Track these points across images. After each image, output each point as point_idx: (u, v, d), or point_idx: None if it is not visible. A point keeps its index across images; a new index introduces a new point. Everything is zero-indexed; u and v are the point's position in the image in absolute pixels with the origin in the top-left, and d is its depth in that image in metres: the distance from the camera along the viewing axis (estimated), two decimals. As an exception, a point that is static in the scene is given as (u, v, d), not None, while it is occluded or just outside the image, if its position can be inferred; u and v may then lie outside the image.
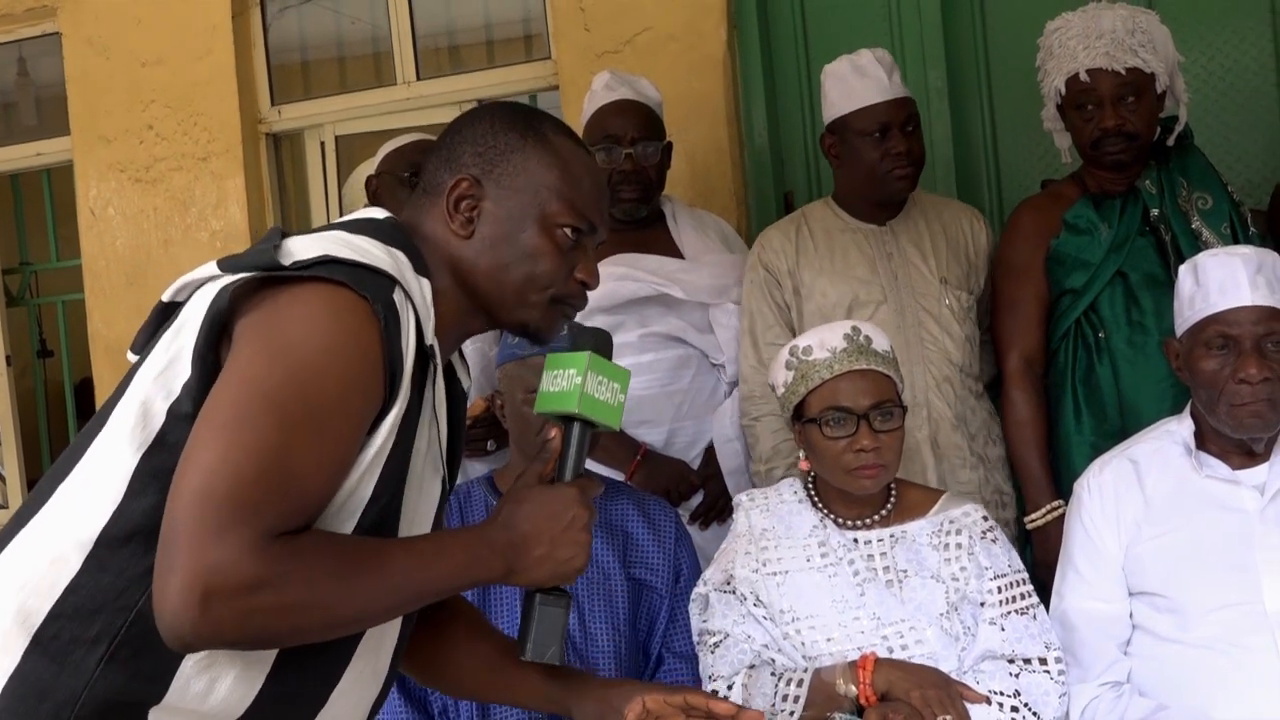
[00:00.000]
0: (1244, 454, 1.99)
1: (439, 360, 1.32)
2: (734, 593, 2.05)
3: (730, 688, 1.98)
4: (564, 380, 1.36)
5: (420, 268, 1.30)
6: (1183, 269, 2.05)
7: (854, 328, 2.09)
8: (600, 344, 1.38)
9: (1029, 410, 2.50)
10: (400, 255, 1.29)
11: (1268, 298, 1.93)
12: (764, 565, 2.05)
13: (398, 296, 1.24)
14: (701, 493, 2.64)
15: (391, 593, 1.22)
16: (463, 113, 1.43)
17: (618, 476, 2.53)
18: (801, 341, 2.11)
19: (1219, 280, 1.96)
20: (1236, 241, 2.40)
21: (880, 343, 2.09)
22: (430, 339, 1.28)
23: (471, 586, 1.33)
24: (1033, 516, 2.46)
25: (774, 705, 1.92)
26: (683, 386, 2.66)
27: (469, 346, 2.63)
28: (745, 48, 3.27)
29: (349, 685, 1.31)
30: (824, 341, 2.08)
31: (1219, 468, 1.99)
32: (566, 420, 1.37)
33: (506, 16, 3.76)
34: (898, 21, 3.23)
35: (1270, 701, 1.82)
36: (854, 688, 1.90)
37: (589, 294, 2.58)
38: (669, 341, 2.66)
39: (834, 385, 2.04)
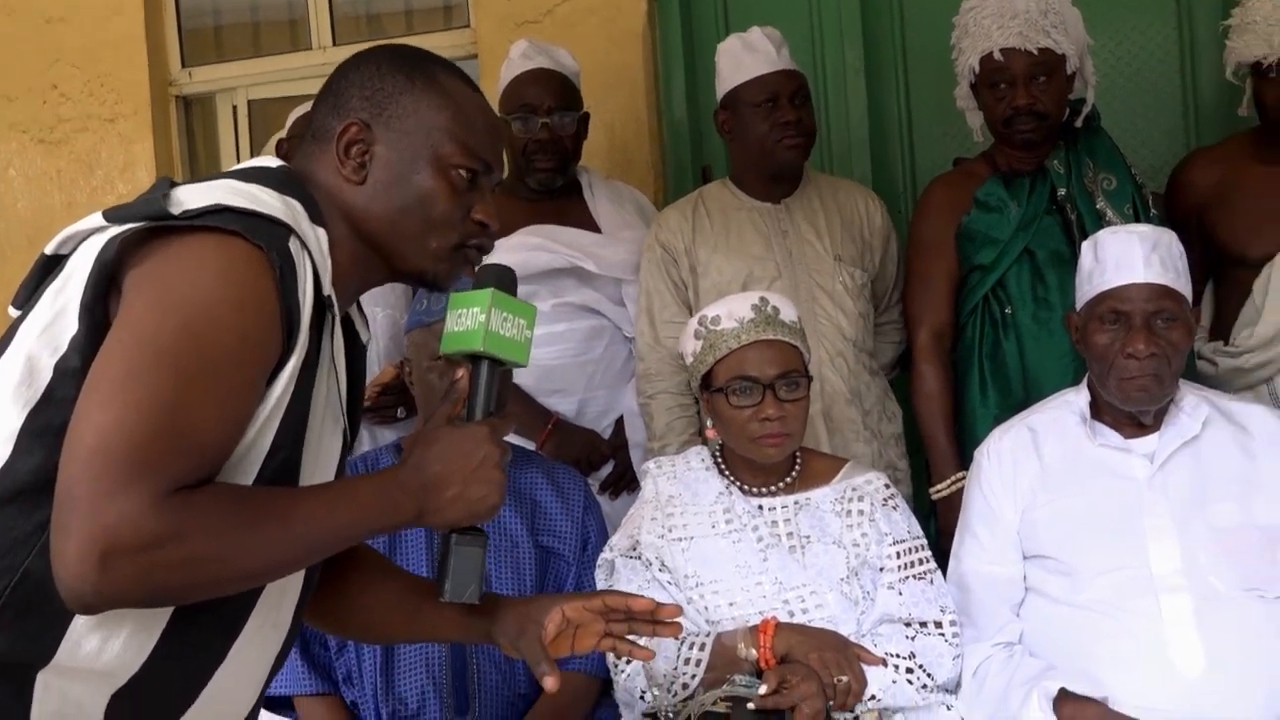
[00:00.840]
0: (1136, 424, 2.06)
1: (337, 311, 1.31)
2: (639, 558, 2.08)
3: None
4: (468, 319, 1.35)
5: (315, 216, 1.29)
6: (1085, 245, 2.12)
7: (762, 298, 2.13)
8: (504, 280, 1.37)
9: (937, 383, 2.56)
10: (295, 204, 1.28)
11: (1160, 276, 2.00)
12: (669, 531, 2.08)
13: (293, 245, 1.23)
14: (612, 463, 2.67)
15: (298, 541, 1.21)
16: (349, 56, 1.41)
17: (529, 445, 2.55)
18: (710, 311, 2.15)
19: (1115, 257, 2.03)
20: (1138, 221, 2.48)
21: (788, 313, 2.13)
22: (328, 289, 1.28)
23: (383, 531, 1.33)
24: (938, 487, 2.52)
25: (676, 669, 1.96)
26: (595, 357, 2.69)
27: (380, 313, 2.64)
28: (665, 21, 3.30)
29: (249, 639, 1.31)
30: (732, 312, 2.12)
31: (1112, 437, 2.06)
32: (474, 359, 1.37)
33: (429, -17, 3.73)
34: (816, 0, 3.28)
35: (1152, 662, 1.89)
36: (754, 651, 1.94)
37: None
38: (582, 312, 2.69)
39: (741, 355, 2.08)
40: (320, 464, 1.34)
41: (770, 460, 2.10)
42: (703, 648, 1.96)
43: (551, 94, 2.70)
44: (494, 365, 1.37)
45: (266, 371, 1.22)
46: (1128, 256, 2.02)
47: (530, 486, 2.27)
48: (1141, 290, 2.00)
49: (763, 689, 1.87)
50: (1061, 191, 2.55)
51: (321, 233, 1.29)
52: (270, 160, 1.36)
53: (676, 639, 1.95)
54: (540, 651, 1.47)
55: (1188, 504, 1.98)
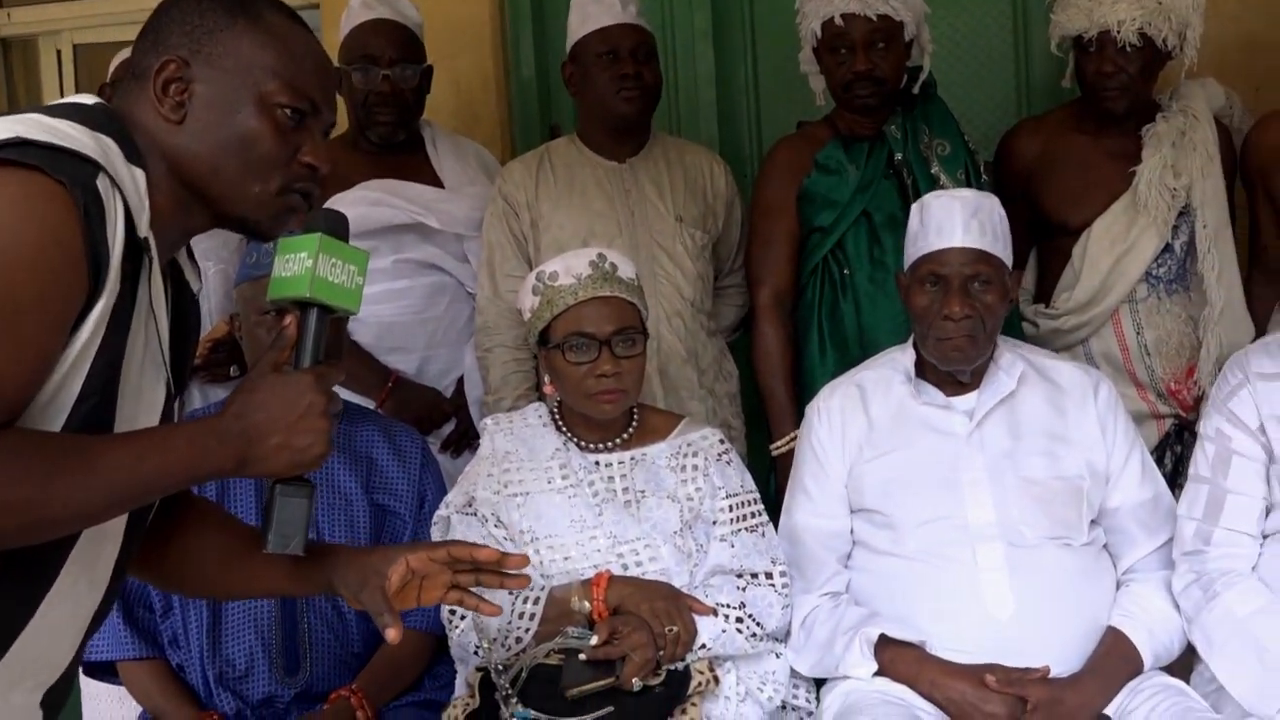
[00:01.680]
0: (957, 383, 2.16)
1: (155, 254, 1.28)
2: (475, 514, 2.09)
3: (468, 607, 2.03)
4: (295, 264, 1.33)
5: (132, 156, 1.26)
6: (913, 208, 2.20)
7: (600, 254, 2.15)
8: (334, 225, 1.35)
9: (777, 343, 2.63)
10: (109, 142, 1.24)
11: (979, 241, 2.09)
12: (505, 487, 2.10)
13: (102, 184, 1.19)
14: (454, 421, 2.67)
15: (105, 489, 1.19)
16: None
17: (368, 404, 2.53)
18: (548, 267, 2.16)
19: (937, 221, 2.11)
20: (970, 187, 2.59)
21: (625, 270, 2.16)
22: (144, 231, 1.25)
23: (199, 480, 1.31)
24: (777, 444, 2.60)
25: (510, 623, 1.98)
26: (437, 314, 2.68)
27: (211, 268, 2.57)
28: (515, -24, 3.28)
29: (62, 594, 1.28)
30: (570, 268, 2.14)
31: (935, 395, 2.16)
32: (302, 307, 1.34)
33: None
34: (663, -48, 3.31)
35: (967, 607, 2.00)
36: (588, 604, 1.98)
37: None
38: (423, 269, 2.67)
39: (578, 311, 2.11)
40: (141, 414, 1.31)
41: (606, 416, 2.13)
42: (537, 601, 1.99)
43: (393, 45, 2.66)
44: (323, 313, 1.35)
45: (71, 314, 1.18)
46: (949, 221, 2.10)
47: (367, 445, 2.25)
48: (959, 254, 2.09)
49: (594, 640, 1.91)
50: (898, 156, 2.64)
51: (139, 173, 1.26)
52: (87, 98, 1.32)
53: (524, 589, 1.97)
54: (383, 602, 1.46)
55: (1002, 458, 2.09)
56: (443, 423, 2.66)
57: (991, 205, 2.15)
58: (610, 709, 1.86)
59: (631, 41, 2.60)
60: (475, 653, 2.01)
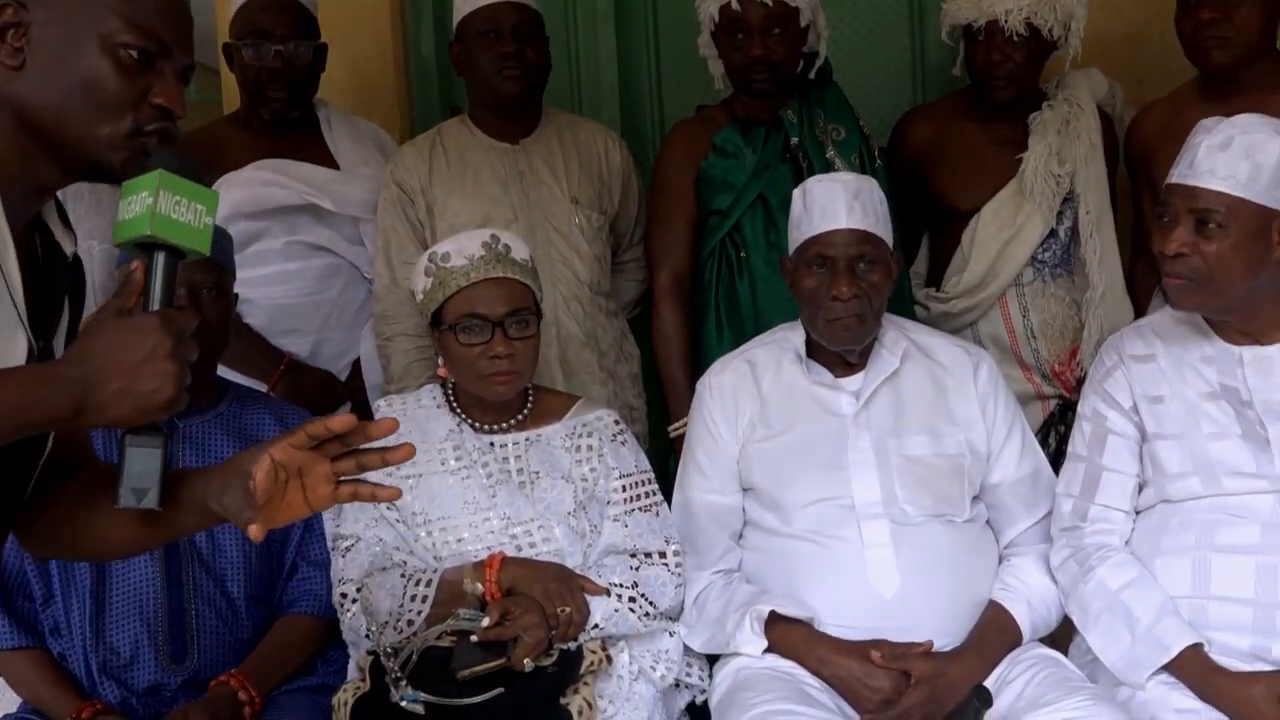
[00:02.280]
0: (845, 363, 2.21)
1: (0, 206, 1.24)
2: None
3: (360, 590, 2.02)
4: (137, 204, 1.27)
5: None
6: (795, 193, 2.24)
7: (493, 236, 2.16)
8: (180, 164, 1.30)
9: (675, 325, 2.66)
10: None
11: (862, 222, 2.14)
12: (397, 469, 2.08)
13: None
14: (349, 405, 2.64)
15: None
16: None
17: (260, 387, 2.50)
18: (441, 248, 2.16)
19: (821, 204, 2.16)
20: (864, 171, 2.64)
21: (519, 251, 2.17)
22: None
23: (32, 430, 1.25)
24: (675, 425, 2.62)
25: (402, 605, 1.98)
26: (331, 296, 2.65)
27: (96, 246, 2.52)
28: (415, -45, 3.25)
29: None
30: (462, 249, 2.13)
31: (824, 375, 2.20)
32: (148, 249, 1.29)
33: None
34: (567, -67, 3.31)
35: (854, 585, 2.05)
36: (480, 585, 1.99)
37: (230, 200, 2.46)
38: (317, 251, 2.65)
39: (470, 292, 2.11)
40: None
41: (500, 398, 2.14)
42: (429, 584, 1.99)
43: (286, 21, 2.63)
44: (172, 256, 1.29)
45: None
46: (833, 204, 2.14)
47: (257, 428, 2.23)
48: (844, 236, 2.13)
49: (485, 622, 1.92)
50: (794, 140, 2.68)
51: None
52: None
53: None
54: (243, 499, 1.33)
55: (887, 436, 2.14)
56: (337, 406, 2.63)
57: (872, 187, 2.20)
58: (501, 690, 1.87)
59: (514, 19, 2.59)
60: (366, 636, 2.00)
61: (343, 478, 1.36)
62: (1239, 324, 1.97)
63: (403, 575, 2.02)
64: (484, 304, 2.10)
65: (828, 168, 2.64)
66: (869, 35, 3.28)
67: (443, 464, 2.11)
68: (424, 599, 1.98)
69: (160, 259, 1.29)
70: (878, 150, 2.76)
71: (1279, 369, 1.95)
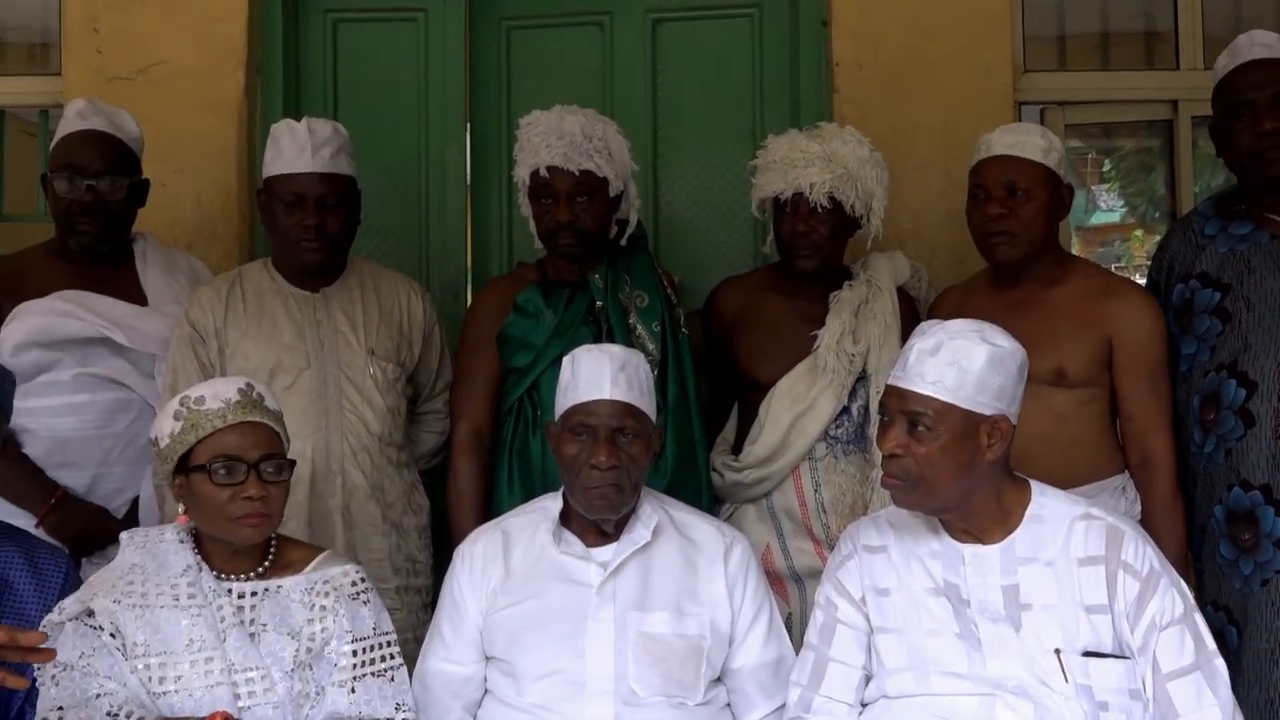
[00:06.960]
0: (600, 532, 2.24)
1: None
2: (94, 625, 2.07)
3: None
4: None
5: None
6: (565, 360, 2.30)
7: (248, 384, 2.20)
8: None
9: (470, 479, 2.70)
10: None
11: (625, 394, 2.20)
12: (126, 597, 2.10)
13: None
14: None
15: None
16: None
17: (30, 519, 2.50)
18: (194, 392, 2.19)
19: (587, 374, 2.22)
20: (665, 338, 2.71)
21: (271, 402, 2.21)
22: None
23: None
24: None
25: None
26: (116, 431, 2.68)
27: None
28: (268, 93, 3.38)
29: None
30: (218, 393, 2.18)
31: (575, 544, 2.23)
32: None
33: (21, 22, 3.66)
34: (424, 89, 3.44)
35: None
36: (200, 744, 1.96)
37: (24, 328, 2.46)
38: (108, 384, 2.68)
39: (224, 435, 2.14)
40: None
41: (246, 541, 2.15)
42: None
43: (101, 157, 2.71)
44: None
45: None
46: (598, 375, 2.21)
47: (2, 566, 2.22)
48: (607, 406, 2.19)
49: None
50: (599, 304, 2.75)
51: None
52: None
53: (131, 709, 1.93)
54: None
55: (630, 610, 2.17)
56: (108, 544, 2.62)
57: (638, 361, 2.28)
58: None
59: (320, 190, 2.64)
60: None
61: None
62: (959, 523, 2.02)
63: (109, 713, 2.00)
64: (239, 446, 2.13)
65: (629, 333, 2.72)
66: (715, 196, 3.45)
67: (175, 600, 2.11)
68: (133, 741, 1.96)
69: None
70: (683, 319, 2.83)
71: (996, 570, 1.99)
